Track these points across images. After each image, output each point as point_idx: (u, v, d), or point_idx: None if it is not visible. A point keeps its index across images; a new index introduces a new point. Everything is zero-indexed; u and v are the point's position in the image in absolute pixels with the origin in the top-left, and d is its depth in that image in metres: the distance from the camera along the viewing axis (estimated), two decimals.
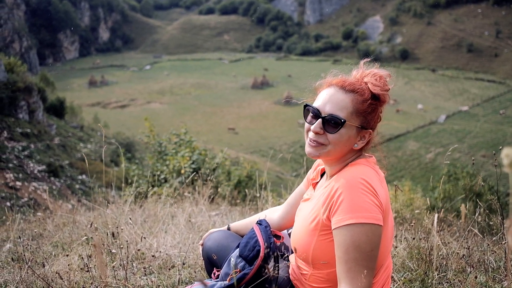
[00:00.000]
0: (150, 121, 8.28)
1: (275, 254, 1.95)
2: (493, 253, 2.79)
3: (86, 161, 3.59)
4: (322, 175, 2.03)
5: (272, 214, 2.33)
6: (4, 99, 27.30)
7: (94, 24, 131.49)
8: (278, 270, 1.94)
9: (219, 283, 1.95)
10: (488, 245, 2.82)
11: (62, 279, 2.38)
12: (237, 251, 2.02)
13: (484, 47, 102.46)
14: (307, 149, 1.81)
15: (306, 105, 1.85)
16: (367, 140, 1.82)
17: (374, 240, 1.62)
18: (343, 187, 1.66)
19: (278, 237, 2.21)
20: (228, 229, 2.45)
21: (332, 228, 1.67)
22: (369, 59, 1.88)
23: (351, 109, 1.74)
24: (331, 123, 1.74)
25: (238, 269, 1.92)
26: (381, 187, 1.71)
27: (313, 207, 1.81)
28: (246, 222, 2.40)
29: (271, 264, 1.91)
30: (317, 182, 2.02)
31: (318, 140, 1.77)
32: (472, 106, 68.36)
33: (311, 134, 1.79)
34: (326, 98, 1.78)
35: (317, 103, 1.80)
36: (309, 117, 1.83)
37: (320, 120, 1.76)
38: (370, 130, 1.81)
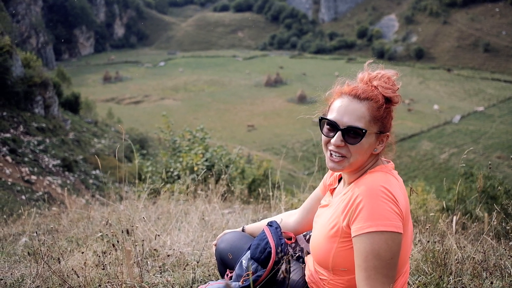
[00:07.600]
0: (168, 117, 8.32)
1: (287, 255, 1.94)
2: (509, 258, 2.75)
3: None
4: (339, 180, 2.01)
5: (288, 218, 2.33)
6: (20, 94, 27.58)
7: (109, 20, 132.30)
8: (290, 271, 1.93)
9: (234, 283, 1.96)
10: (505, 249, 2.78)
11: (78, 276, 2.40)
12: (248, 253, 2.03)
13: (501, 47, 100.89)
14: (330, 164, 1.79)
15: (321, 118, 1.82)
16: (385, 143, 1.82)
17: (394, 248, 1.61)
18: (363, 194, 1.64)
19: (289, 238, 2.21)
20: (243, 230, 2.45)
21: (352, 236, 1.66)
22: (372, 61, 1.86)
23: (369, 117, 1.73)
24: (351, 134, 1.72)
25: (251, 271, 1.93)
26: (401, 194, 1.69)
27: (332, 214, 1.80)
28: (261, 225, 2.39)
29: (284, 265, 1.91)
30: (335, 188, 2.01)
31: (340, 152, 1.75)
32: (487, 107, 67.35)
33: (331, 147, 1.77)
34: (342, 109, 1.75)
35: (332, 115, 1.77)
36: (325, 130, 1.80)
37: (339, 132, 1.73)
38: (388, 133, 1.80)
